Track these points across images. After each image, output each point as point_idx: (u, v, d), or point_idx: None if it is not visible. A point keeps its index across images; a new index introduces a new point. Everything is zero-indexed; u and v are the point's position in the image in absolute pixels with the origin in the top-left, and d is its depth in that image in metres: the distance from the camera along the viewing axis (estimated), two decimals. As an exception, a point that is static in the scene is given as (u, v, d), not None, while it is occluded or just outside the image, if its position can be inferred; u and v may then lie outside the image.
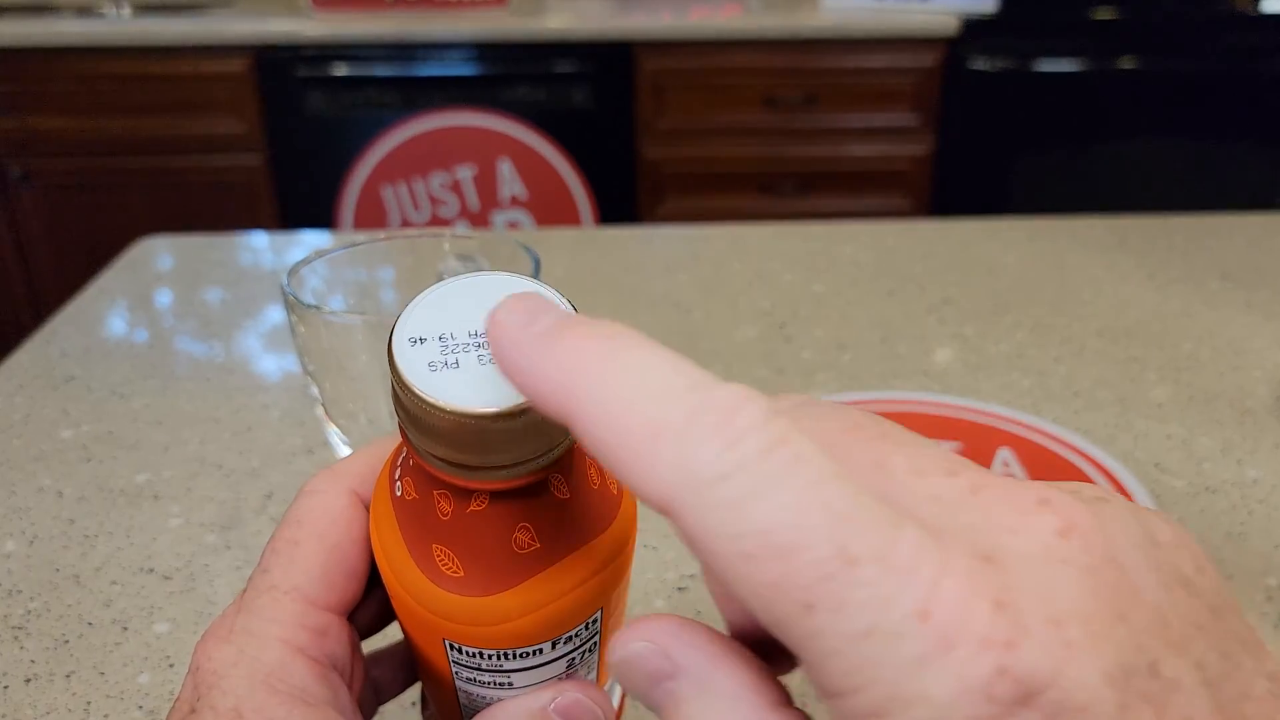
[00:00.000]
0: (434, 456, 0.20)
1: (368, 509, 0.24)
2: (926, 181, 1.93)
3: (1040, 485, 0.15)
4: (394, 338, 0.19)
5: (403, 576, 0.22)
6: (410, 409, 0.19)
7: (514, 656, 0.22)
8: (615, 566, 0.22)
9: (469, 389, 0.18)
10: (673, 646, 0.17)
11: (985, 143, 1.89)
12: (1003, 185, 1.93)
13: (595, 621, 0.23)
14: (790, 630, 0.14)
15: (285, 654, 0.21)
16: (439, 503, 0.21)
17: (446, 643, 0.22)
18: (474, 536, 0.21)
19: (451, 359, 0.19)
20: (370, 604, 0.24)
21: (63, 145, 1.78)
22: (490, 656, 0.22)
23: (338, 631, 0.23)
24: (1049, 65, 1.82)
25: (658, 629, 0.17)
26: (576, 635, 0.23)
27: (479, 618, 0.22)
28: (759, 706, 0.16)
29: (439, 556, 0.21)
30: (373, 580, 0.24)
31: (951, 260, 0.81)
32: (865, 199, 1.93)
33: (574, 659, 0.23)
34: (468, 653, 0.22)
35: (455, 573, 0.21)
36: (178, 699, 0.22)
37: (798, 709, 0.16)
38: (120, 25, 1.75)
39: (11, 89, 1.74)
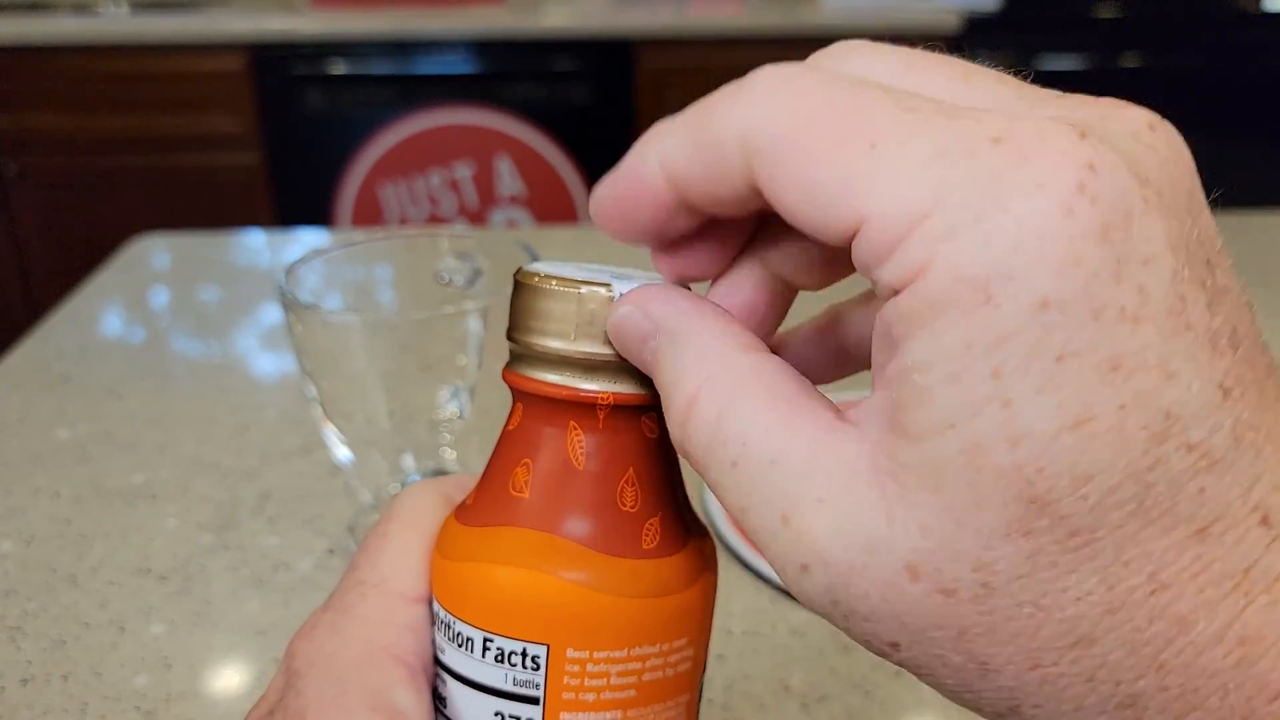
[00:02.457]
0: (512, 336, 0.20)
1: None
2: (926, 179, 1.92)
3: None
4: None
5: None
6: (515, 283, 0.20)
7: (449, 632, 0.20)
8: (581, 616, 0.19)
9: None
10: (651, 306, 0.18)
11: (985, 140, 1.89)
12: (1002, 183, 1.93)
13: (538, 665, 0.19)
14: (854, 165, 0.14)
15: (367, 653, 0.20)
16: (508, 418, 0.21)
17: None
18: (498, 457, 0.20)
19: (573, 273, 0.20)
20: None
21: (58, 143, 1.78)
22: (441, 619, 0.20)
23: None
24: (1051, 63, 1.82)
25: (641, 294, 0.18)
26: (514, 657, 0.19)
27: (446, 543, 0.21)
28: (727, 350, 0.17)
29: (472, 493, 0.21)
30: None
31: (952, 258, 0.81)
32: (864, 197, 1.93)
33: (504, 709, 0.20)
34: (434, 607, 0.21)
35: (469, 500, 0.21)
36: (267, 690, 0.21)
37: (770, 352, 0.17)
38: (116, 23, 1.74)
39: (7, 86, 1.74)
